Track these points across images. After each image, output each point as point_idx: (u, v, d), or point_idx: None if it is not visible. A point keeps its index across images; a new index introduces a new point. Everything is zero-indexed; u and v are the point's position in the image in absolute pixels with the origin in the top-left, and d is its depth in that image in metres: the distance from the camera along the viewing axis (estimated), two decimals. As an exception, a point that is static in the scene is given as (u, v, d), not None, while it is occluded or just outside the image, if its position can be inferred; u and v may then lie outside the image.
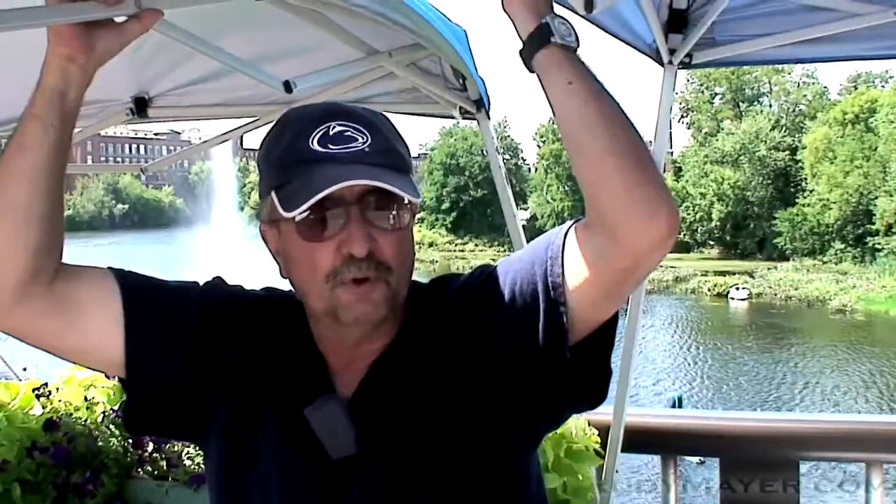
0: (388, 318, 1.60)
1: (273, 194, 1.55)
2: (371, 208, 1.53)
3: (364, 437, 1.58)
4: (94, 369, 3.10)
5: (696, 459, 16.22)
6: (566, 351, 1.52)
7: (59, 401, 3.56)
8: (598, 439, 3.39)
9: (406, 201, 1.56)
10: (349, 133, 1.54)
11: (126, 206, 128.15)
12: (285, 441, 1.62)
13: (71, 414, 3.51)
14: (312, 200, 1.46)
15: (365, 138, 1.54)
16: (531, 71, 1.53)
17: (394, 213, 1.56)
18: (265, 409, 1.64)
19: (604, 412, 3.38)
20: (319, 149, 1.52)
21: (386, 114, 1.67)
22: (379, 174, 1.50)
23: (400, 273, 1.58)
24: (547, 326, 1.52)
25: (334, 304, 1.56)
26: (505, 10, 1.56)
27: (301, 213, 1.49)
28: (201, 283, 1.77)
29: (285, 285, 1.71)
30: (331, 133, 1.54)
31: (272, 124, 1.66)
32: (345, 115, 1.57)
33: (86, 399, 3.60)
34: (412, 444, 1.58)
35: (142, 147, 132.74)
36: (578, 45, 1.50)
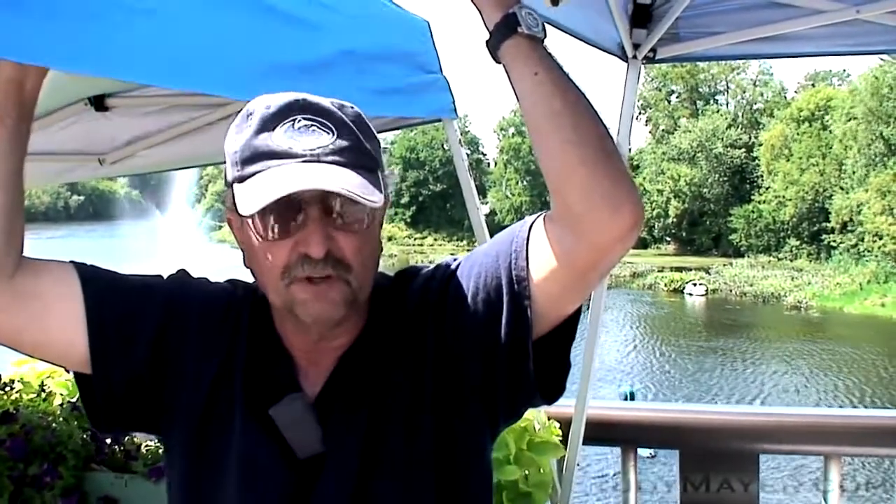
0: (349, 315, 1.57)
1: (233, 187, 1.51)
2: (332, 207, 1.49)
3: (330, 435, 1.57)
4: (53, 364, 3.04)
5: (647, 453, 16.35)
6: (529, 345, 1.51)
7: (17, 392, 3.51)
8: (560, 432, 3.39)
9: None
10: (314, 128, 1.49)
11: (82, 198, 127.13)
12: (252, 440, 1.59)
13: (28, 406, 3.46)
14: (265, 202, 1.42)
15: (331, 135, 1.49)
16: (497, 62, 1.51)
17: (355, 212, 1.51)
18: (232, 407, 1.62)
19: (566, 405, 3.39)
20: (281, 144, 1.47)
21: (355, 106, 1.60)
22: (340, 175, 1.45)
23: (360, 272, 1.54)
24: (511, 320, 1.51)
25: (291, 301, 1.52)
26: (472, 1, 1.54)
27: (256, 213, 1.44)
28: (165, 277, 1.73)
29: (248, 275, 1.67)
30: (296, 127, 1.48)
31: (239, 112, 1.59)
32: (311, 108, 1.51)
33: (42, 390, 3.55)
34: (377, 442, 1.57)
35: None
36: (545, 36, 1.49)
